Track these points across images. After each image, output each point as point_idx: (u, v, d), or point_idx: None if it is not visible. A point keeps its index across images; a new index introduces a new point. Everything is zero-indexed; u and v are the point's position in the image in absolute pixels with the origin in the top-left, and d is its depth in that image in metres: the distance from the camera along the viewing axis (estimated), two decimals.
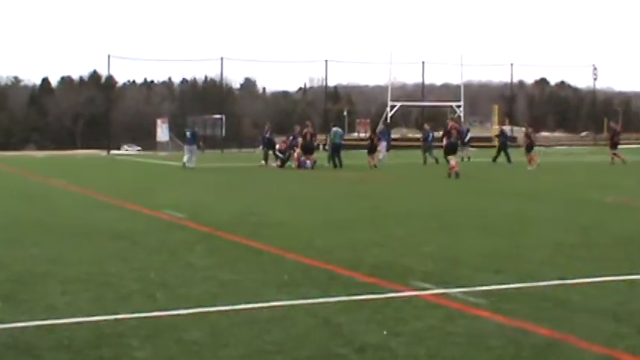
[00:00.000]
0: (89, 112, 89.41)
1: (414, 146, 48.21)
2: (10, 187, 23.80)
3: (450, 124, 28.90)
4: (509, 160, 35.45)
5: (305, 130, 33.96)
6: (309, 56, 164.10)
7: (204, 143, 65.81)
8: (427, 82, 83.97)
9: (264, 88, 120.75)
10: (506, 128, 36.44)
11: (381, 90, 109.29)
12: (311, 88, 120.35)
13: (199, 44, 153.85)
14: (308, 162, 32.95)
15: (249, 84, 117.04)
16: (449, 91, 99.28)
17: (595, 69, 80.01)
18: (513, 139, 73.31)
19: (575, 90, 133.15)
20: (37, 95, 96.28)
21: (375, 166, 32.82)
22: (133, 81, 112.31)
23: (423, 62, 75.60)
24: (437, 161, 33.98)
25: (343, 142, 36.36)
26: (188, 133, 36.19)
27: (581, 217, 14.32)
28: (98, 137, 77.35)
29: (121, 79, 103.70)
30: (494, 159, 36.26)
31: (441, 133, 36.05)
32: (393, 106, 61.09)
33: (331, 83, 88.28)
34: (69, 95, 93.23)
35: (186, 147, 35.59)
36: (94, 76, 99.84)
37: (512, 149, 38.03)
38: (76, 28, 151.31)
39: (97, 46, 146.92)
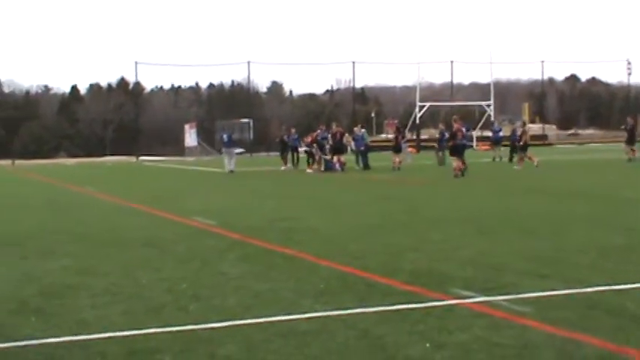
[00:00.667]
0: (118, 119, 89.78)
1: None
2: (41, 196, 23.78)
3: (455, 125, 28.65)
4: (510, 159, 34.88)
5: (334, 130, 33.63)
6: (335, 58, 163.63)
7: (224, 149, 66.09)
8: (455, 81, 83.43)
9: (290, 91, 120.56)
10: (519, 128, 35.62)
11: (408, 90, 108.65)
12: (338, 89, 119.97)
13: (225, 49, 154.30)
14: (337, 164, 32.64)
15: (275, 87, 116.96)
16: (477, 89, 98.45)
17: (629, 63, 78.91)
18: (543, 137, 72.77)
19: (607, 86, 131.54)
20: (67, 103, 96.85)
21: (399, 168, 32.33)
22: (161, 87, 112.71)
23: (452, 61, 75.21)
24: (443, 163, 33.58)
25: (370, 144, 36.11)
26: (225, 137, 36.04)
27: (621, 217, 13.90)
28: (127, 143, 77.58)
29: (148, 85, 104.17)
30: (510, 159, 35.37)
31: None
32: (421, 107, 60.64)
33: (358, 84, 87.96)
34: (98, 102, 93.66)
35: (224, 150, 35.44)
36: (122, 82, 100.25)
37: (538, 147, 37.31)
38: (103, 36, 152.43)
39: (124, 53, 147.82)
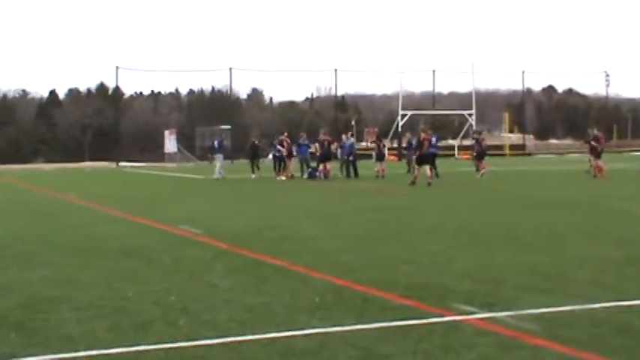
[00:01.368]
0: (97, 124, 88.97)
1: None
2: (18, 201, 23.27)
3: (422, 135, 28.94)
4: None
5: (322, 137, 33.32)
6: (316, 66, 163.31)
7: (212, 155, 65.71)
8: (435, 91, 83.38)
9: (271, 98, 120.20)
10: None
11: (388, 99, 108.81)
12: (318, 97, 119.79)
13: (206, 55, 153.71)
14: (321, 173, 32.29)
15: (256, 94, 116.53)
16: (456, 99, 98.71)
17: (607, 75, 79.35)
18: (522, 146, 72.86)
19: (584, 97, 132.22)
20: (45, 108, 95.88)
21: (383, 176, 32.18)
22: (140, 92, 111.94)
23: (434, 70, 75.18)
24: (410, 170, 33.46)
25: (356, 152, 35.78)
26: (215, 143, 35.60)
27: (613, 229, 13.66)
28: (107, 149, 76.89)
29: (128, 91, 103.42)
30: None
31: (453, 141, 35.56)
32: (403, 115, 60.48)
33: (339, 92, 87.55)
34: (77, 107, 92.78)
35: (216, 156, 35.04)
36: (102, 87, 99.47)
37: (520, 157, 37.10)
38: (83, 41, 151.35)
39: (104, 58, 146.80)
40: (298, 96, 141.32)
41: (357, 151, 35.36)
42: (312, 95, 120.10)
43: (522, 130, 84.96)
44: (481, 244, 11.89)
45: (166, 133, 70.58)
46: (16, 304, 8.07)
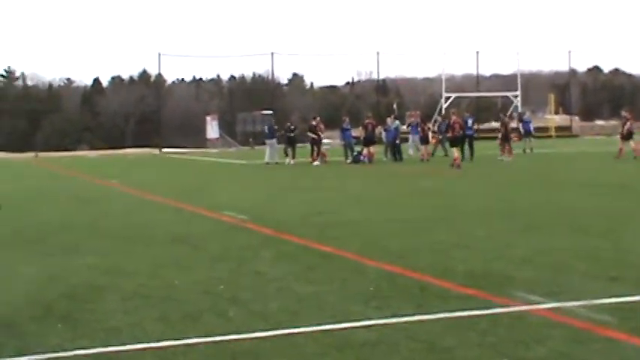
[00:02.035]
0: (140, 111, 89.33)
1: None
2: (63, 189, 23.20)
3: (453, 118, 29.24)
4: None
5: (366, 121, 32.89)
6: (356, 49, 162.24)
7: (254, 140, 65.50)
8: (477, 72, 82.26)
9: (311, 83, 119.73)
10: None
11: (429, 82, 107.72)
12: (359, 81, 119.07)
13: (246, 40, 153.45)
14: (365, 157, 31.87)
15: (296, 79, 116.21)
16: (498, 81, 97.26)
17: None
18: (567, 128, 71.61)
19: (630, 77, 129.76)
20: (89, 96, 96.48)
21: (428, 159, 31.75)
22: (182, 79, 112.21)
23: (477, 52, 74.03)
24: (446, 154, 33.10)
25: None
26: (266, 128, 35.33)
27: None
28: (149, 135, 77.16)
29: (169, 78, 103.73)
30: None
31: (496, 124, 35.12)
32: (447, 98, 59.71)
33: (380, 76, 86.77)
34: (119, 95, 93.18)
35: (267, 142, 34.73)
36: (144, 75, 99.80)
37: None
38: (125, 28, 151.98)
39: (146, 45, 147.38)
40: (339, 80, 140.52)
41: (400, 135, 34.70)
42: (352, 79, 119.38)
43: (567, 112, 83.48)
44: (535, 228, 11.44)
45: (208, 118, 70.58)
46: (62, 293, 7.85)
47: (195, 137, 75.61)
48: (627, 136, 29.82)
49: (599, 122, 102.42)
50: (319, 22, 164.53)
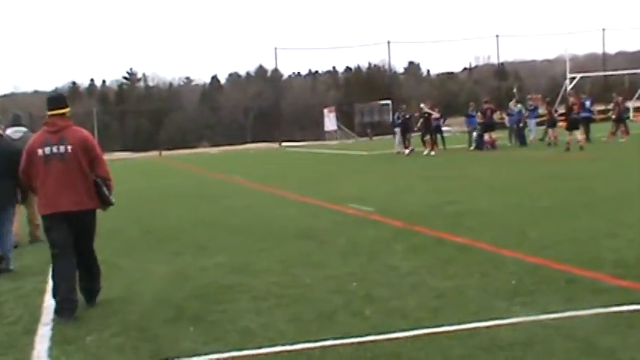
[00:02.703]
0: (258, 106, 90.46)
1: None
2: (188, 186, 23.47)
3: (571, 99, 28.60)
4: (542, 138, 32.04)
5: (485, 106, 32.09)
6: (473, 34, 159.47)
7: (372, 130, 65.17)
8: (599, 51, 79.25)
9: (428, 71, 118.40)
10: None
11: (549, 64, 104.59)
12: (476, 67, 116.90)
13: (359, 31, 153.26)
14: (487, 143, 31.01)
15: (412, 67, 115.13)
16: (625, 59, 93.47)
17: None
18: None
19: None
20: (208, 93, 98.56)
21: (555, 143, 30.53)
22: (298, 72, 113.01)
23: (604, 29, 71.29)
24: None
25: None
26: (395, 117, 34.98)
27: None
28: (268, 130, 77.99)
29: (286, 72, 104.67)
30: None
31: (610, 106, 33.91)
32: (572, 79, 57.54)
33: (497, 60, 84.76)
34: (237, 91, 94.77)
35: (396, 130, 34.36)
36: (260, 70, 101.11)
37: None
38: (240, 25, 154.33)
39: (261, 41, 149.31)
40: (456, 67, 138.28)
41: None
42: (470, 65, 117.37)
43: None
44: None
45: (325, 111, 70.75)
46: (192, 293, 7.71)
47: (313, 130, 75.98)
48: None
49: None
50: (434, 8, 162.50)
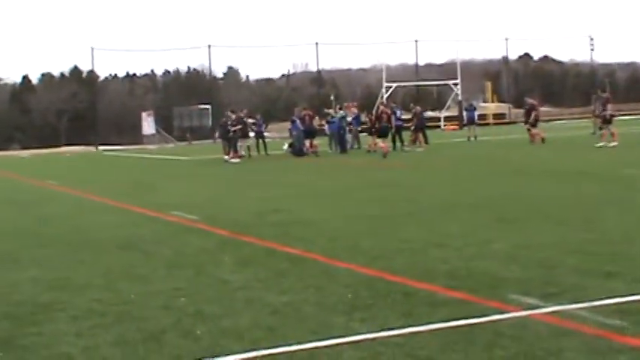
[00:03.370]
0: (72, 108, 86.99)
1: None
2: None
3: (381, 108, 30.02)
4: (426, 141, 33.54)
5: (303, 113, 32.13)
6: (291, 41, 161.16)
7: (191, 135, 64.22)
8: (411, 62, 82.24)
9: (247, 76, 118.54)
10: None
11: (364, 73, 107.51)
12: (294, 74, 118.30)
13: (178, 35, 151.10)
14: (307, 150, 31.07)
15: (232, 73, 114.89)
16: (432, 70, 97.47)
17: (592, 39, 78.45)
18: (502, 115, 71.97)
19: (560, 63, 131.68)
20: (18, 93, 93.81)
21: (375, 151, 31.06)
22: (115, 74, 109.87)
23: (417, 40, 73.87)
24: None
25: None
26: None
27: None
28: (83, 133, 75.22)
29: (102, 74, 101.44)
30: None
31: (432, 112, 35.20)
32: (388, 87, 59.23)
33: (315, 68, 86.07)
34: (50, 92, 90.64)
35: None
36: (75, 71, 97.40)
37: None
38: (54, 24, 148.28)
39: (76, 41, 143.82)
40: (274, 73, 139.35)
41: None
42: (288, 72, 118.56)
43: (500, 99, 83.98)
44: (509, 221, 10.90)
45: (144, 114, 69.02)
46: (3, 313, 6.98)
47: (131, 134, 74.01)
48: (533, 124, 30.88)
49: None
50: (252, 14, 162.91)
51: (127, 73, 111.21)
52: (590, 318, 5.76)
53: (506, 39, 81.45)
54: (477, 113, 39.84)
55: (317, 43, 71.14)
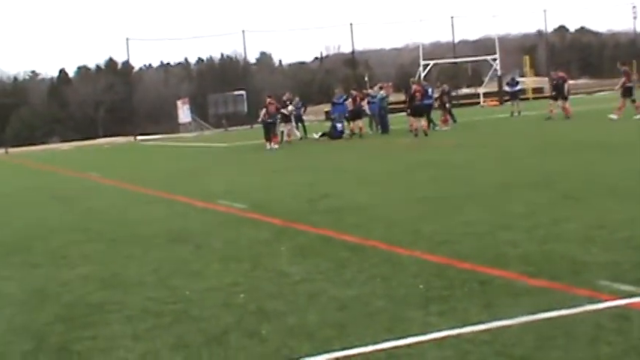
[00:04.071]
0: (109, 100, 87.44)
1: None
2: (41, 186, 21.75)
3: (414, 87, 28.65)
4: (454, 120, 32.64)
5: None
6: (323, 24, 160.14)
7: (227, 121, 63.92)
8: (444, 40, 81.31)
9: (280, 61, 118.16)
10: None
11: (397, 52, 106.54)
12: (327, 56, 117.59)
13: (211, 21, 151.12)
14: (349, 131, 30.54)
15: (264, 58, 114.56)
16: (466, 47, 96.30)
17: (634, 7, 76.53)
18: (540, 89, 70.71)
19: (596, 34, 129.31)
20: (56, 87, 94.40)
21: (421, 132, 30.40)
22: (150, 65, 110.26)
23: (452, 17, 72.76)
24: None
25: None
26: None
27: None
28: (120, 123, 75.50)
29: (137, 64, 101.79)
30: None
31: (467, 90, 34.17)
32: (425, 66, 58.39)
33: (347, 49, 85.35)
34: (87, 84, 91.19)
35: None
36: (110, 62, 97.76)
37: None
38: (88, 17, 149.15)
39: (111, 33, 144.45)
40: (307, 56, 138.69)
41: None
42: (321, 54, 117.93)
43: (537, 73, 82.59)
44: (576, 198, 10.31)
45: (179, 103, 68.99)
46: (55, 315, 6.62)
47: (167, 123, 74.09)
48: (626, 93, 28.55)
49: (570, 81, 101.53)
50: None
51: (162, 63, 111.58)
52: None
53: (545, 10, 79.88)
54: (519, 87, 38.90)
55: (351, 24, 70.29)
